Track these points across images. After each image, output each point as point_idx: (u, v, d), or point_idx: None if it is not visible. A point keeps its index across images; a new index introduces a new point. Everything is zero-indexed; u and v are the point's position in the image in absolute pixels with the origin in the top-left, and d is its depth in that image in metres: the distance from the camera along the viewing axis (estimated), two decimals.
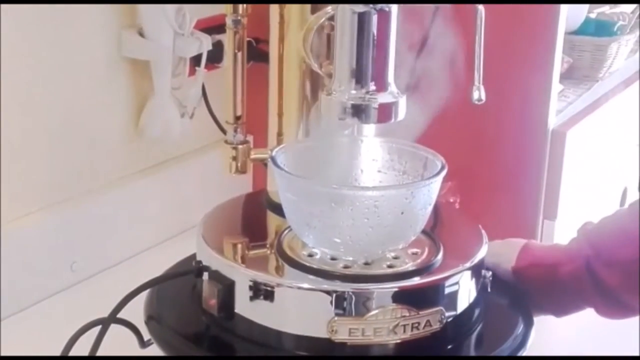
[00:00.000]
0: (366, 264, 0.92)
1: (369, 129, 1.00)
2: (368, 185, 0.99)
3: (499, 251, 1.06)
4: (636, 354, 1.01)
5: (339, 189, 0.91)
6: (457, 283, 0.92)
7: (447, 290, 0.91)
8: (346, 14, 0.91)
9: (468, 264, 0.93)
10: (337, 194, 0.89)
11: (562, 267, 1.02)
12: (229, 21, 1.01)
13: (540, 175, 1.49)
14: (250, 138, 1.04)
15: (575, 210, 1.52)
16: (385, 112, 0.92)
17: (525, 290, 1.04)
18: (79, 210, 1.25)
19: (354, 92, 0.92)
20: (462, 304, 0.93)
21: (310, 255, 0.93)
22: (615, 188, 1.75)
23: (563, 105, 1.57)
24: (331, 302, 0.87)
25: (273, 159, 0.93)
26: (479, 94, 0.98)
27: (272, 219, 1.03)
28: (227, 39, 1.02)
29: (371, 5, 0.89)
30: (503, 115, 1.45)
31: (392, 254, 0.93)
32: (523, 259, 1.05)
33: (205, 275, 0.94)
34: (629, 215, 1.02)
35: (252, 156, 1.03)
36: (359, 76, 0.91)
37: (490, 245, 1.00)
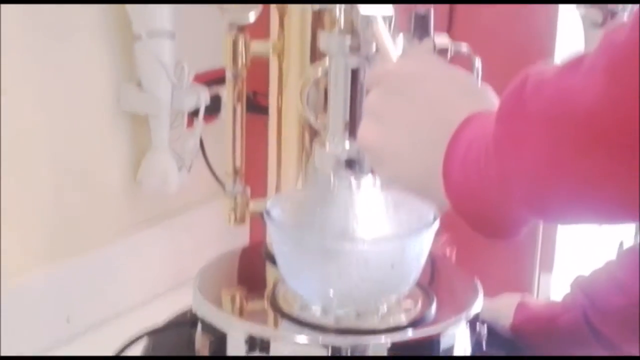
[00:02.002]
0: (358, 316, 0.92)
1: (368, 180, 1.01)
2: (364, 236, 0.99)
3: (496, 307, 1.06)
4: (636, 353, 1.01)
5: (328, 240, 0.91)
6: (451, 336, 0.92)
7: (441, 344, 0.91)
8: (339, 67, 0.92)
9: (462, 317, 0.93)
10: (326, 246, 0.90)
11: (560, 319, 1.02)
12: (228, 74, 1.03)
13: (535, 228, 1.49)
14: (247, 189, 1.05)
15: (571, 263, 1.52)
16: None
17: (524, 346, 1.03)
18: (77, 263, 1.25)
19: (347, 144, 0.93)
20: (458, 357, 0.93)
21: (303, 307, 0.93)
22: (611, 241, 1.75)
23: None
24: (327, 357, 0.87)
25: (267, 210, 0.94)
26: None
27: (269, 271, 1.03)
28: (227, 92, 1.04)
29: (364, 59, 0.91)
30: None
31: (385, 307, 0.93)
32: (520, 314, 1.05)
33: (199, 327, 0.94)
34: (618, 264, 1.03)
35: (251, 207, 1.04)
36: (352, 129, 0.92)
37: (487, 301, 1.00)
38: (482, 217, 0.70)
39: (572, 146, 0.59)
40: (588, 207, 0.63)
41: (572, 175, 0.60)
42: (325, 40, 0.93)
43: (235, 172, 1.05)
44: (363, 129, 0.78)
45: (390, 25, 0.85)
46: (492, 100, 0.74)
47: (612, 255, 1.23)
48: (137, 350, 0.96)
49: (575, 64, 0.61)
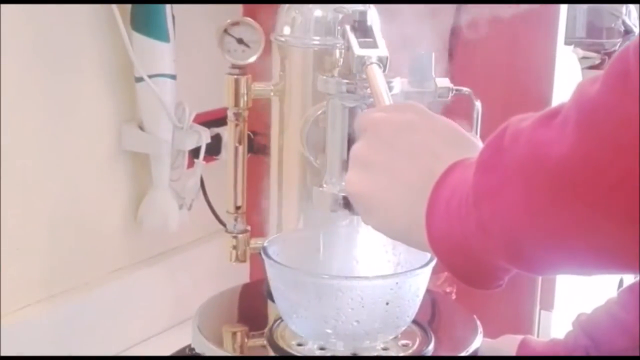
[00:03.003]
0: (354, 354, 0.92)
1: None
2: (359, 275, 1.00)
3: (498, 347, 1.06)
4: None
5: (323, 278, 0.92)
6: None
7: None
8: (337, 108, 0.93)
9: (461, 355, 0.94)
10: (321, 284, 0.90)
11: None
12: (230, 114, 1.05)
13: None
14: (248, 227, 1.06)
15: (572, 301, 1.52)
16: None
17: None
18: (77, 302, 1.25)
19: (345, 184, 0.93)
20: None
21: (300, 345, 0.94)
22: (611, 278, 1.75)
23: None
24: None
25: (264, 248, 0.94)
26: None
27: (269, 309, 1.04)
28: (228, 131, 1.05)
29: (361, 100, 0.92)
30: None
31: (382, 345, 0.93)
32: (522, 354, 1.05)
33: None
34: (619, 303, 1.02)
35: (252, 246, 1.05)
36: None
37: (489, 342, 1.00)
38: (465, 267, 0.70)
39: (547, 196, 0.60)
40: (568, 257, 0.63)
41: (548, 225, 0.61)
42: (323, 82, 0.94)
43: (237, 210, 1.06)
44: (349, 177, 0.79)
45: (385, 66, 0.86)
46: (477, 150, 0.73)
47: (612, 292, 1.22)
48: None
49: (550, 114, 0.61)
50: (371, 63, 0.86)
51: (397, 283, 0.91)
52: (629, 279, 1.64)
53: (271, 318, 0.99)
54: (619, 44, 2.12)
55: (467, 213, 0.66)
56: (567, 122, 0.59)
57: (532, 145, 0.61)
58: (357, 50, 0.87)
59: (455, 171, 0.71)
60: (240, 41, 1.04)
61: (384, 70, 0.86)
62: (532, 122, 0.63)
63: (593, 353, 1.00)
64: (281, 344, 0.94)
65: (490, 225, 0.65)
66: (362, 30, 0.91)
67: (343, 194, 0.93)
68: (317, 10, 1.02)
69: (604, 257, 0.61)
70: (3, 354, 1.13)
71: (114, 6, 1.22)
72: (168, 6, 1.26)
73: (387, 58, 0.86)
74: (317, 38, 1.01)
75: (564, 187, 0.59)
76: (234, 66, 1.04)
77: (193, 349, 0.96)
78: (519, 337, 1.07)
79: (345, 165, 0.93)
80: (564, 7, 1.42)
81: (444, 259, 0.71)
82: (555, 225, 0.60)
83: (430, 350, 0.93)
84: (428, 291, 0.95)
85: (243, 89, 1.04)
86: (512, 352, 1.05)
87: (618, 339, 1.00)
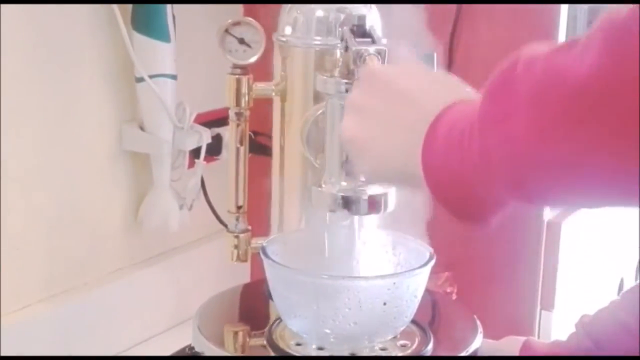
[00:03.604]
0: (352, 354, 0.92)
1: (370, 220, 1.02)
2: (357, 275, 1.00)
3: (501, 348, 1.06)
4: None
5: (320, 278, 0.92)
6: None
7: None
8: (336, 107, 0.93)
9: (460, 355, 0.94)
10: (319, 284, 0.90)
11: None
12: (231, 114, 1.05)
13: (536, 266, 1.50)
14: (249, 227, 1.06)
15: (572, 301, 1.52)
16: (375, 204, 0.94)
17: None
18: (77, 302, 1.25)
19: (344, 184, 0.94)
20: None
21: (299, 344, 0.94)
22: (612, 279, 1.75)
23: None
24: None
25: (263, 248, 0.94)
26: None
27: (270, 309, 1.04)
28: (230, 131, 1.05)
29: None
30: None
31: (381, 345, 0.93)
32: (525, 355, 1.05)
33: None
34: (622, 306, 1.02)
35: (253, 245, 1.05)
36: (348, 168, 0.93)
37: (491, 343, 1.00)
38: (460, 199, 0.69)
39: (563, 119, 0.59)
40: (576, 184, 0.61)
41: (561, 149, 0.59)
42: (322, 82, 0.94)
43: (238, 210, 1.06)
44: (344, 123, 0.79)
45: (384, 58, 0.86)
46: (471, 95, 0.74)
47: (613, 292, 1.23)
48: None
49: (569, 43, 0.61)
50: (369, 54, 0.86)
51: (394, 283, 0.91)
52: (630, 281, 1.65)
53: (272, 318, 0.99)
54: None
55: (469, 143, 0.66)
56: (590, 46, 0.58)
57: (549, 70, 0.60)
58: (355, 45, 0.87)
59: (454, 109, 0.71)
60: (241, 41, 1.04)
61: (382, 63, 0.86)
62: (548, 51, 0.62)
63: (595, 354, 1.00)
64: (280, 343, 0.94)
65: (495, 153, 0.64)
66: (361, 33, 0.91)
67: (342, 194, 0.93)
68: (319, 10, 1.02)
69: (613, 181, 0.59)
70: (3, 354, 1.13)
71: (115, 6, 1.22)
72: (169, 6, 1.26)
73: (385, 51, 0.86)
74: (319, 38, 1.01)
75: (581, 108, 0.57)
76: (235, 66, 1.04)
77: (193, 348, 0.96)
78: (522, 339, 1.07)
79: (343, 166, 0.94)
80: (564, 7, 1.42)
81: (439, 191, 0.70)
82: (567, 149, 0.59)
83: (429, 351, 0.93)
84: (428, 291, 0.95)
85: (244, 89, 1.04)
86: (515, 354, 1.05)
87: (621, 341, 0.99)
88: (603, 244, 1.73)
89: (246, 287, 1.16)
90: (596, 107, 0.57)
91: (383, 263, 0.99)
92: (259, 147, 1.22)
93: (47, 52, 1.18)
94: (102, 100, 1.27)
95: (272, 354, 0.93)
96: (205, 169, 1.34)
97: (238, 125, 1.05)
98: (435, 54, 1.00)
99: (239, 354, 0.95)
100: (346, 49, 0.91)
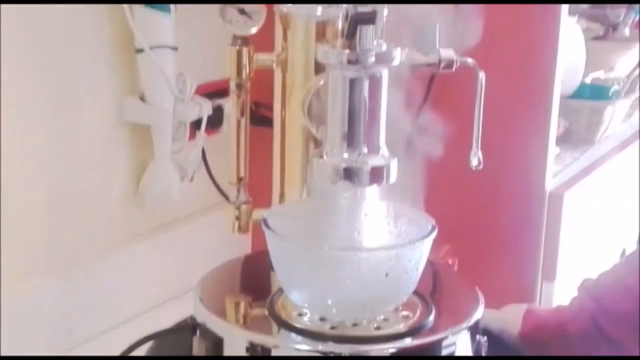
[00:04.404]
0: (354, 325, 0.92)
1: (371, 191, 1.02)
2: (359, 246, 1.00)
3: (503, 316, 1.06)
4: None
5: (322, 249, 0.92)
6: (451, 344, 0.92)
7: (442, 352, 0.91)
8: (337, 78, 0.93)
9: (462, 325, 0.94)
10: (321, 255, 0.90)
11: (570, 325, 1.02)
12: (232, 85, 1.04)
13: (538, 237, 1.50)
14: (250, 198, 1.06)
15: (573, 272, 1.53)
16: (377, 175, 0.94)
17: (532, 355, 1.03)
18: (79, 274, 1.25)
19: (346, 155, 0.93)
20: None
21: (300, 315, 0.94)
22: (614, 249, 1.75)
23: (560, 168, 1.59)
24: None
25: (265, 219, 0.94)
26: (477, 159, 1.00)
27: (270, 280, 1.04)
28: (231, 102, 1.04)
29: (362, 71, 0.91)
30: (501, 178, 1.47)
31: (382, 316, 0.93)
32: (528, 321, 1.05)
33: (197, 332, 0.95)
34: (626, 268, 1.03)
35: (254, 217, 1.05)
36: (350, 139, 0.93)
37: (493, 311, 1.00)
38: None
39: None
40: None
41: None
42: (323, 53, 0.93)
43: (239, 181, 1.06)
44: None
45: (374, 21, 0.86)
46: None
47: (614, 263, 1.23)
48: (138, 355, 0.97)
49: None
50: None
51: (396, 254, 0.91)
52: (633, 248, 1.64)
53: (274, 289, 0.99)
54: (622, 15, 2.11)
55: None
56: None
57: None
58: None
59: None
60: (242, 12, 1.03)
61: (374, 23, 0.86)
62: None
63: (599, 316, 1.01)
64: (282, 314, 0.94)
65: None
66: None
67: (344, 165, 0.93)
68: None
69: None
70: (4, 327, 1.14)
71: None
72: None
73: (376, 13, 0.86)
74: (320, 8, 1.01)
75: None
76: (235, 37, 1.04)
77: (195, 319, 0.96)
78: (524, 306, 1.08)
79: (345, 137, 0.93)
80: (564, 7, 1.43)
81: None
82: None
83: (430, 321, 0.93)
84: (430, 262, 0.95)
85: (245, 60, 1.03)
86: (518, 321, 1.05)
87: (623, 302, 1.00)
88: (605, 215, 1.73)
89: (247, 258, 1.16)
90: None
91: (385, 234, 0.99)
92: (260, 118, 1.22)
93: (47, 23, 1.17)
94: (102, 71, 1.27)
95: (273, 324, 0.93)
96: (206, 141, 1.33)
97: (239, 96, 1.04)
98: (437, 26, 1.00)
99: (240, 324, 0.95)
100: (347, 17, 0.90)
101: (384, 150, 0.95)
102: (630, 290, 1.00)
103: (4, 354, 1.13)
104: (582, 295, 1.05)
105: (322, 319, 0.93)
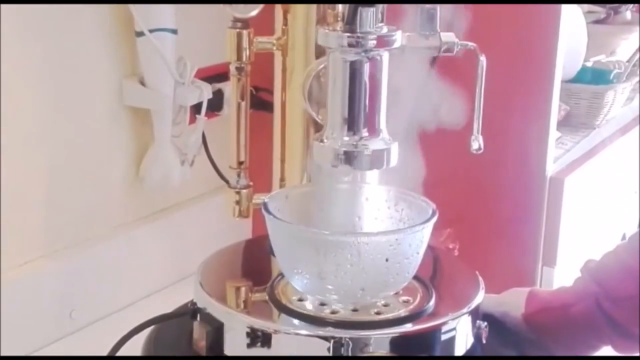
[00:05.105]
0: (354, 310, 0.92)
1: (372, 176, 1.02)
2: (360, 231, 1.00)
3: (506, 300, 1.06)
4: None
5: (322, 234, 0.91)
6: (452, 329, 0.92)
7: (442, 337, 0.91)
8: (338, 61, 0.92)
9: (462, 310, 0.94)
10: (321, 240, 0.90)
11: (573, 308, 1.02)
12: (232, 68, 1.04)
13: (539, 222, 1.50)
14: (251, 183, 1.05)
15: (574, 257, 1.53)
16: (378, 159, 0.93)
17: (536, 337, 1.03)
18: (79, 258, 1.25)
19: (346, 138, 0.93)
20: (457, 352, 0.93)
21: (301, 300, 0.94)
22: (614, 234, 1.75)
23: (561, 153, 1.59)
24: (328, 349, 0.87)
25: (265, 204, 0.94)
26: (478, 143, 1.00)
27: (271, 264, 1.04)
28: (231, 86, 1.04)
29: (363, 54, 0.91)
30: (502, 163, 1.46)
31: (383, 301, 0.93)
32: (531, 304, 1.05)
33: (198, 317, 0.94)
34: (628, 250, 1.03)
35: (255, 201, 1.05)
36: (351, 123, 0.93)
37: (494, 296, 1.00)
38: None
39: None
40: None
41: None
42: (323, 36, 0.93)
43: (240, 165, 1.06)
44: None
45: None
46: None
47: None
48: (139, 340, 0.97)
49: None
50: None
51: (396, 239, 0.90)
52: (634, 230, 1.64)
53: (274, 274, 0.99)
54: None
55: None
56: None
57: None
58: None
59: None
60: None
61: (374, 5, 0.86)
62: None
63: (602, 299, 1.00)
64: (282, 299, 0.94)
65: None
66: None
67: (344, 149, 0.92)
68: None
69: None
70: (4, 310, 1.14)
71: None
72: None
73: None
74: None
75: None
76: (235, 19, 1.03)
77: (195, 304, 0.96)
78: (525, 290, 1.07)
79: (346, 120, 0.93)
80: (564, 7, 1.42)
81: None
82: None
83: (431, 306, 0.93)
84: (430, 247, 0.95)
85: (245, 43, 1.03)
86: (521, 304, 1.05)
87: (626, 284, 1.00)
88: (605, 200, 1.73)
89: (248, 243, 1.16)
90: None
91: (385, 219, 0.99)
92: (261, 102, 1.21)
93: (47, 7, 1.17)
94: (101, 54, 1.26)
95: (274, 309, 0.93)
96: (207, 125, 1.33)
97: (239, 80, 1.04)
98: (437, 8, 0.99)
99: (241, 309, 0.95)
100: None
101: (384, 134, 0.94)
102: (631, 272, 1.00)
103: (4, 335, 1.13)
104: (585, 277, 1.04)
105: (322, 304, 0.93)
